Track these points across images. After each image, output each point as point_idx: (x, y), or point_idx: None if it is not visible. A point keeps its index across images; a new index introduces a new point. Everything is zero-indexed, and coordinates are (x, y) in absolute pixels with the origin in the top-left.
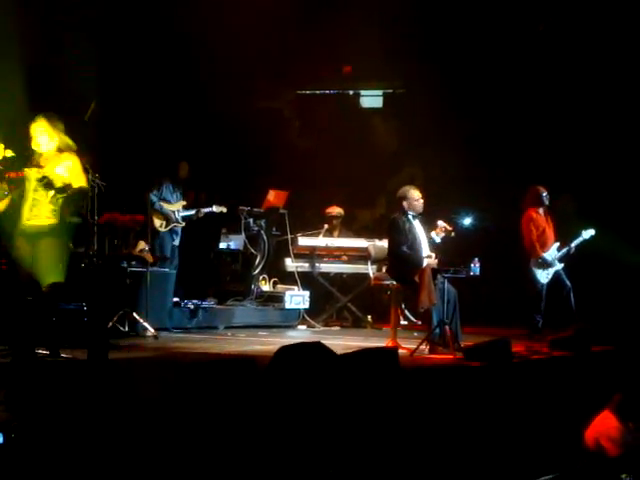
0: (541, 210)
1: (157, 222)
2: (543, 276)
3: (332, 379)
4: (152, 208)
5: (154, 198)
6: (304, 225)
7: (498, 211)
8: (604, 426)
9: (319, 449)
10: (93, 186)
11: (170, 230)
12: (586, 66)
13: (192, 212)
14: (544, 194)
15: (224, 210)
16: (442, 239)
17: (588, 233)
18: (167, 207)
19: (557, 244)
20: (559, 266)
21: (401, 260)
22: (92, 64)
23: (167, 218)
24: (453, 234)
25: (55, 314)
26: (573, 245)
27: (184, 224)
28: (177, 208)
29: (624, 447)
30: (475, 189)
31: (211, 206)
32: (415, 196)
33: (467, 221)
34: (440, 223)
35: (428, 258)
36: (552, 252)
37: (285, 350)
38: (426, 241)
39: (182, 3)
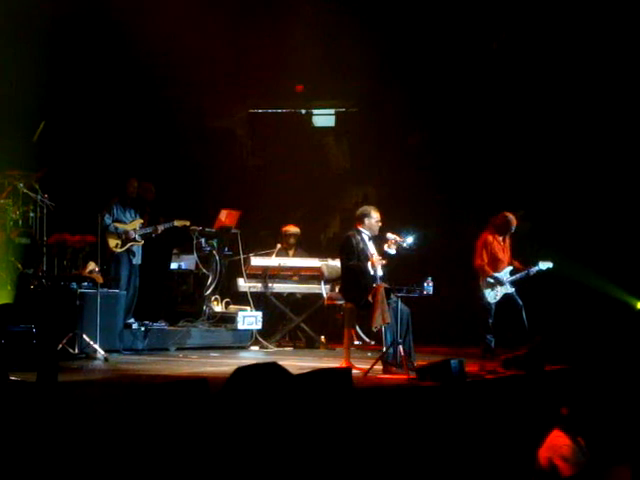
0: (501, 237)
1: (112, 243)
2: (491, 296)
3: (288, 399)
4: (107, 230)
5: (107, 220)
6: (257, 245)
7: (450, 230)
8: (556, 445)
9: (273, 470)
10: (42, 206)
11: (127, 250)
12: (540, 83)
13: (149, 230)
14: (512, 226)
15: (187, 224)
16: (397, 251)
17: (545, 265)
18: (122, 227)
19: (510, 268)
20: (510, 289)
21: (354, 279)
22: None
23: (122, 238)
24: (405, 244)
25: (3, 336)
26: (528, 272)
27: (142, 242)
28: (134, 227)
29: (577, 466)
30: (426, 208)
31: (171, 221)
32: (377, 217)
33: (409, 240)
34: (390, 236)
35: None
36: (504, 274)
37: (241, 371)
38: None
39: (132, 22)
